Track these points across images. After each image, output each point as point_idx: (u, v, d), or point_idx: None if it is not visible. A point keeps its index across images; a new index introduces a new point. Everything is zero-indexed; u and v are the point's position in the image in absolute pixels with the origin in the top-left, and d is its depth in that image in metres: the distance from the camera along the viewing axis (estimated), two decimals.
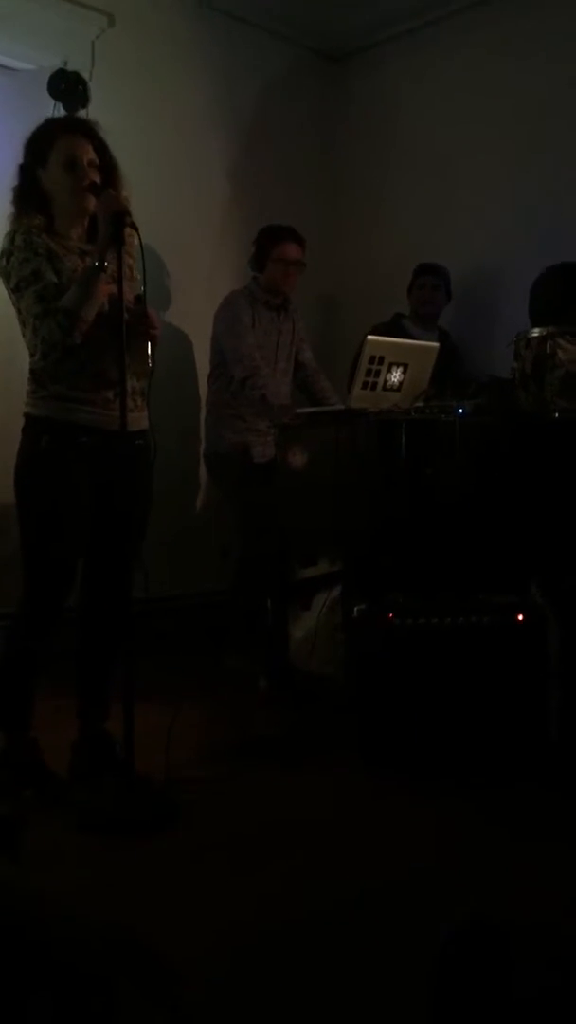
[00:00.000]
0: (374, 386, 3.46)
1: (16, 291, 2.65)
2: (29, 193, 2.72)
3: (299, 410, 3.87)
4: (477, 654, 2.95)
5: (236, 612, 4.19)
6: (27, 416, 2.75)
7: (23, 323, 2.70)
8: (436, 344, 3.74)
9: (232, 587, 4.23)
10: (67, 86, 4.23)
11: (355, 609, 3.08)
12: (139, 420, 2.76)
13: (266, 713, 3.57)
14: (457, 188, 4.85)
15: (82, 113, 4.30)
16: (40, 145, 2.72)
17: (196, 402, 4.73)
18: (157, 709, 3.01)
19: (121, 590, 2.80)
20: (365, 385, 3.44)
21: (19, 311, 2.70)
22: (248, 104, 5.06)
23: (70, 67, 4.25)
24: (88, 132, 2.75)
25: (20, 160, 2.76)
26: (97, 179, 2.70)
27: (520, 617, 2.95)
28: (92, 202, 2.68)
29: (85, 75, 4.30)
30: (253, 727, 3.41)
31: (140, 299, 2.73)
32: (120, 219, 2.58)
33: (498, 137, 4.67)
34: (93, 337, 2.66)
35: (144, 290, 2.75)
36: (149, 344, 2.73)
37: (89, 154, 2.70)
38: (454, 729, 2.92)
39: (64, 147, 2.70)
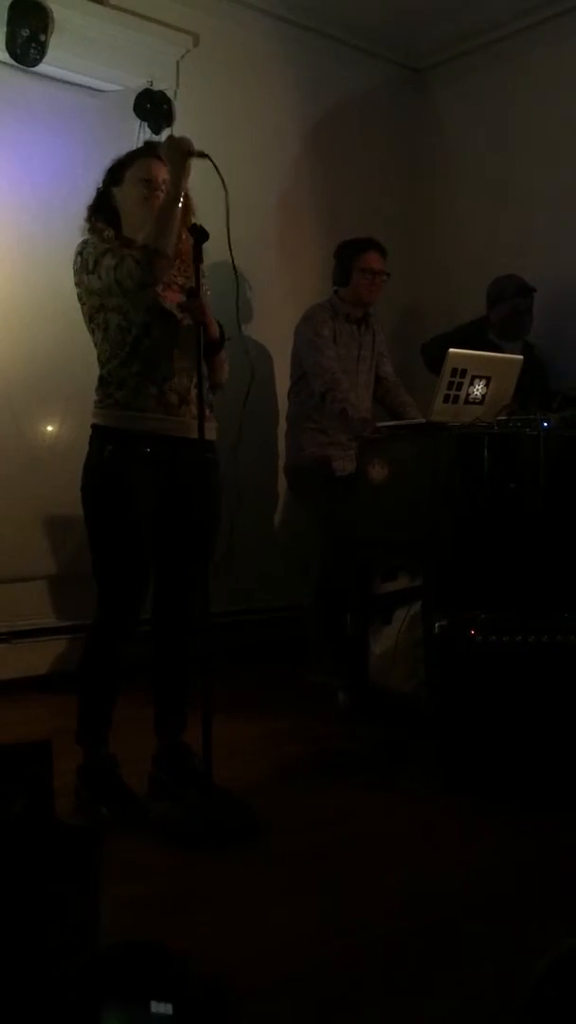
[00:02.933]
0: (456, 399, 3.42)
1: (94, 270, 2.65)
2: (100, 208, 2.79)
3: (380, 424, 3.85)
4: (562, 674, 2.87)
5: (316, 626, 4.18)
6: (93, 427, 2.77)
7: (93, 322, 2.73)
8: (520, 357, 3.68)
9: (312, 601, 4.22)
10: (152, 106, 4.32)
11: (436, 625, 3.03)
12: (208, 430, 2.72)
13: (345, 729, 3.54)
14: (541, 199, 4.77)
15: (167, 131, 4.38)
16: (117, 168, 2.81)
17: (275, 416, 4.74)
18: (237, 723, 3.03)
19: (192, 601, 2.78)
20: (447, 398, 3.39)
21: (93, 318, 2.72)
22: (330, 119, 5.07)
23: (155, 87, 4.33)
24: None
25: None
26: None
27: None
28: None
29: (170, 94, 4.37)
30: (331, 743, 3.38)
31: (192, 292, 2.73)
32: (188, 153, 2.64)
33: None
34: (159, 340, 2.69)
35: (205, 289, 2.78)
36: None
37: (163, 174, 2.73)
38: (537, 752, 2.85)
39: (140, 166, 2.77)
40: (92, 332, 2.77)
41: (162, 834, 2.52)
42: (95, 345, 2.78)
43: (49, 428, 4.20)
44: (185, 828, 2.54)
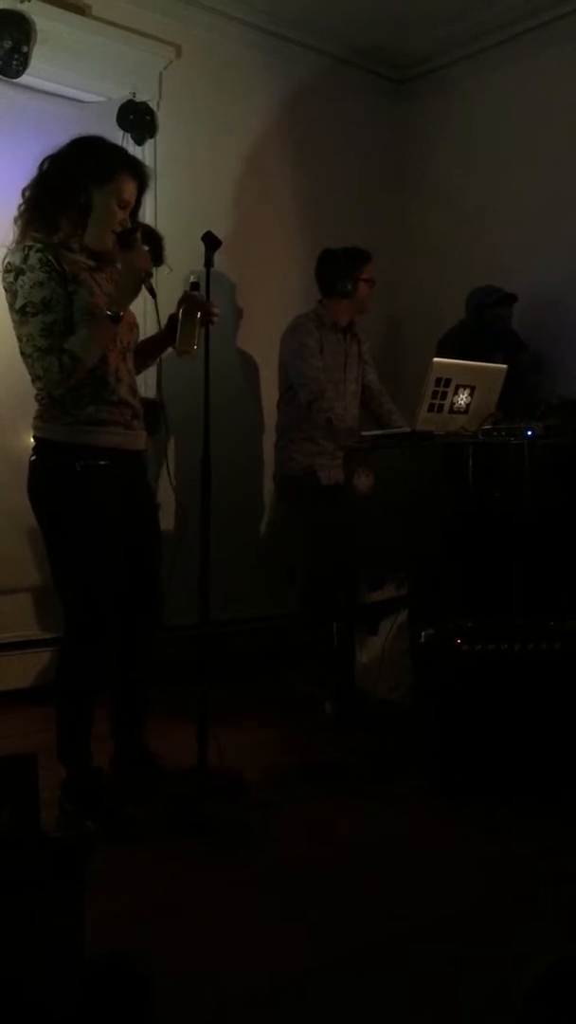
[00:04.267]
0: (441, 408, 3.42)
1: (22, 314, 2.56)
2: (65, 201, 2.63)
3: (365, 433, 3.86)
4: (548, 681, 2.89)
5: (302, 636, 4.17)
6: (48, 441, 2.67)
7: (22, 350, 2.62)
8: (503, 366, 3.69)
9: (298, 611, 4.21)
10: (135, 117, 4.32)
11: (422, 634, 3.03)
12: (142, 440, 2.83)
13: (332, 738, 3.53)
14: (526, 207, 4.80)
15: (150, 142, 4.38)
16: (104, 165, 2.67)
17: (260, 427, 4.74)
18: (223, 733, 3.01)
19: (152, 609, 2.86)
20: (432, 407, 3.40)
21: (19, 336, 2.62)
22: (314, 129, 5.09)
23: (138, 98, 4.34)
24: (143, 182, 2.76)
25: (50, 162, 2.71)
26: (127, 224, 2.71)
27: None
28: (112, 241, 2.68)
29: (153, 105, 4.38)
30: (319, 752, 3.37)
31: (196, 285, 2.78)
32: (144, 281, 2.65)
33: (569, 155, 4.62)
34: (112, 361, 2.68)
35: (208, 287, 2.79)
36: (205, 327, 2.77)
37: (132, 196, 2.72)
38: (525, 758, 2.86)
39: (125, 185, 2.68)
40: (22, 350, 2.63)
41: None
42: (26, 355, 2.62)
43: (31, 438, 4.17)
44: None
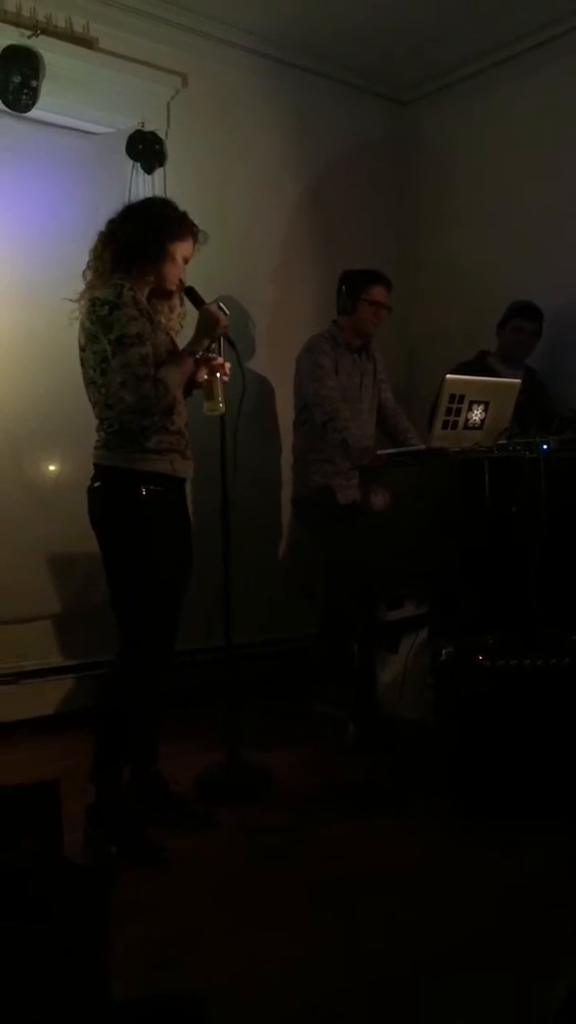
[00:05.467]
0: (455, 425, 3.42)
1: (119, 344, 2.68)
2: (152, 253, 2.84)
3: (380, 451, 3.86)
4: (571, 696, 2.86)
5: (322, 657, 4.16)
6: (112, 469, 2.77)
7: (103, 375, 2.73)
8: (517, 381, 3.69)
9: (318, 631, 4.21)
10: (144, 146, 4.38)
11: (443, 651, 3.02)
12: (190, 469, 2.95)
13: (354, 759, 3.51)
14: (534, 224, 4.80)
15: (159, 171, 4.43)
16: (177, 223, 2.89)
17: (278, 449, 4.75)
18: (246, 755, 3.01)
19: (174, 637, 2.93)
20: (446, 424, 3.40)
21: (103, 367, 2.72)
22: (321, 154, 5.13)
23: (146, 128, 4.39)
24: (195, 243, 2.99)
25: (113, 216, 2.89)
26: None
27: None
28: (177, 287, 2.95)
29: (161, 134, 4.43)
30: (341, 774, 3.36)
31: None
32: (222, 336, 2.96)
33: (573, 171, 4.63)
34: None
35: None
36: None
37: (191, 255, 2.97)
38: (549, 775, 2.83)
39: (188, 244, 2.93)
40: (101, 371, 2.74)
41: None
42: (98, 385, 2.75)
43: (51, 468, 4.22)
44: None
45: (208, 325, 2.90)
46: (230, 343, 3.01)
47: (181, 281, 2.95)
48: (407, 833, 2.81)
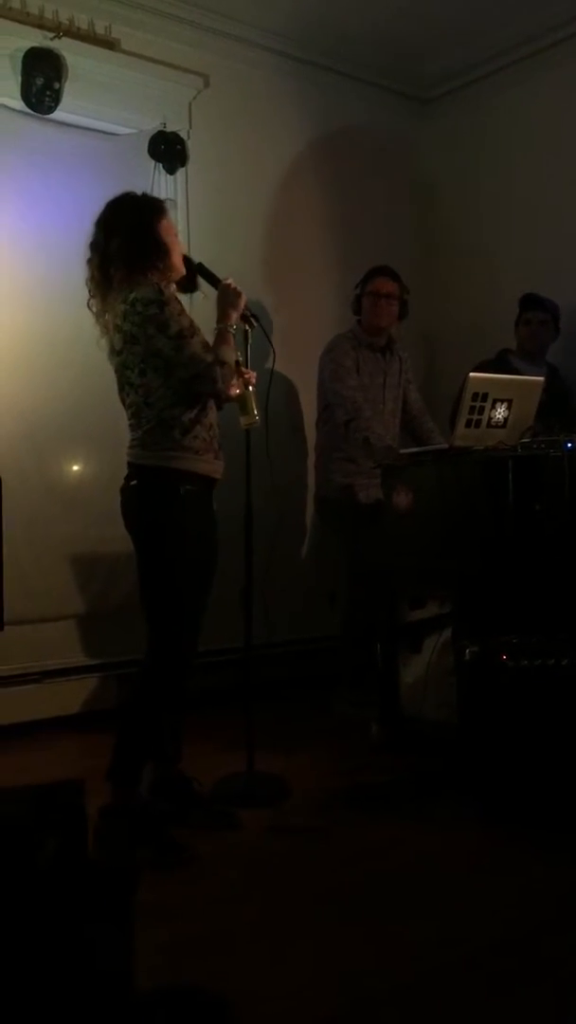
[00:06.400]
0: (478, 423, 3.40)
1: (179, 338, 2.70)
2: (156, 247, 2.83)
3: (403, 451, 3.84)
4: None
5: (345, 657, 4.16)
6: (150, 467, 2.78)
7: (143, 375, 2.74)
8: (540, 378, 3.67)
9: (342, 632, 4.20)
10: (166, 147, 4.39)
11: (467, 651, 3.00)
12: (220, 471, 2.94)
13: (379, 760, 3.50)
14: (558, 220, 4.78)
15: (181, 171, 4.44)
16: (155, 209, 2.89)
17: (302, 449, 4.75)
18: (269, 757, 3.00)
19: (198, 635, 2.92)
20: (469, 423, 3.38)
21: (141, 367, 2.74)
22: (343, 152, 5.12)
23: (168, 128, 4.40)
24: None
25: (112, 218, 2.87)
26: None
27: None
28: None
29: (183, 135, 4.44)
30: (366, 775, 3.35)
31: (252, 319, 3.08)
32: (245, 315, 2.99)
33: None
34: None
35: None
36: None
37: None
38: (573, 775, 2.81)
39: (171, 222, 2.93)
40: (140, 372, 2.76)
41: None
42: (136, 385, 2.77)
43: (74, 468, 4.23)
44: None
45: (231, 299, 2.90)
46: (252, 319, 3.03)
47: (188, 259, 2.96)
48: (432, 835, 2.80)
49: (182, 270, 2.95)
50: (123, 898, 1.51)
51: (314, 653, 4.49)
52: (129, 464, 2.83)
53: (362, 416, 4.01)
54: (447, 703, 3.40)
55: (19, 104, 3.98)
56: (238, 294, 2.91)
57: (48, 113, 4.00)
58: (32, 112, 3.98)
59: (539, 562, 3.14)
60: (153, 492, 2.78)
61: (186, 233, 4.36)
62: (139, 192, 2.96)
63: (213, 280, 2.99)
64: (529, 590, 3.13)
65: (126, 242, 2.80)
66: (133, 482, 2.81)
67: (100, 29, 4.20)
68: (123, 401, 2.86)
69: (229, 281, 2.96)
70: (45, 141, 4.10)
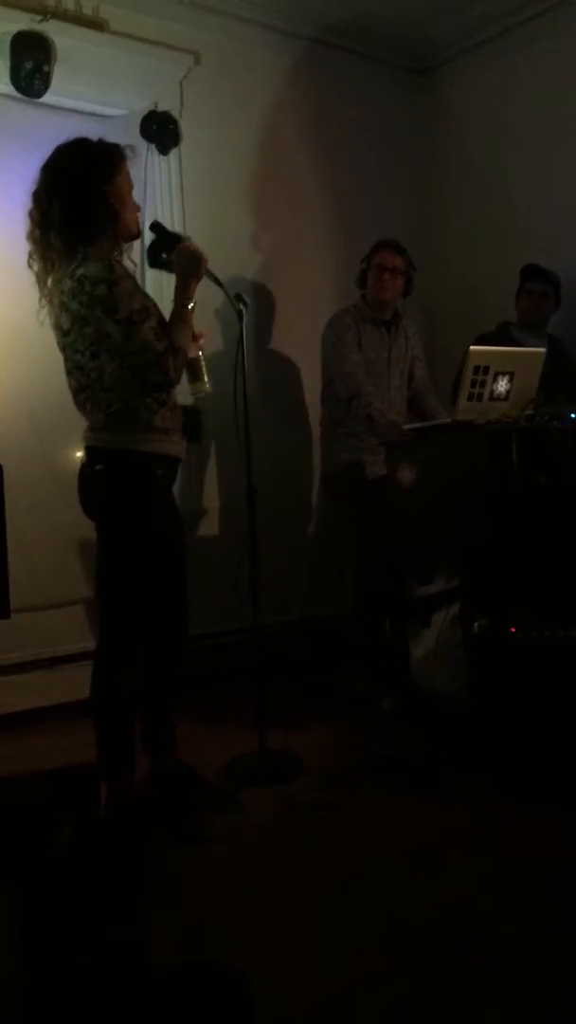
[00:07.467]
0: (480, 397, 3.39)
1: (128, 324, 2.54)
2: (102, 212, 2.61)
3: (406, 426, 3.83)
4: None
5: (355, 633, 4.16)
6: (115, 451, 2.69)
7: (94, 358, 2.62)
8: (542, 350, 3.65)
9: (350, 609, 4.20)
10: (159, 127, 4.35)
11: (475, 625, 3.01)
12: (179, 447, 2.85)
13: (390, 735, 3.51)
14: (558, 191, 4.74)
15: (175, 151, 4.41)
16: (107, 164, 2.66)
17: (304, 426, 4.74)
18: (279, 734, 3.00)
19: (184, 618, 2.88)
20: (471, 396, 3.37)
21: (93, 350, 2.61)
22: (338, 126, 5.07)
23: (160, 108, 4.36)
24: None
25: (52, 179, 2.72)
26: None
27: None
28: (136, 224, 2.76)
29: (175, 114, 4.40)
30: (378, 749, 3.36)
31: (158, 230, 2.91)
32: (205, 272, 2.75)
33: None
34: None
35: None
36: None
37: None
38: None
39: (127, 175, 2.72)
40: (92, 355, 2.62)
41: None
42: (88, 369, 2.65)
43: (78, 453, 4.21)
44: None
45: (192, 264, 2.69)
46: (215, 280, 2.83)
47: (156, 225, 2.81)
48: (445, 808, 2.81)
49: (133, 230, 2.74)
50: (139, 878, 1.53)
51: (323, 629, 4.50)
52: (90, 449, 2.72)
53: (363, 393, 3.99)
54: (457, 676, 3.41)
55: (8, 88, 3.94)
56: (199, 258, 2.69)
57: (38, 97, 3.96)
58: (22, 96, 3.94)
59: (545, 534, 3.14)
60: (124, 476, 2.68)
61: (181, 211, 4.34)
62: (95, 139, 2.74)
63: (168, 238, 2.77)
64: (535, 562, 3.13)
65: (68, 207, 2.59)
66: (99, 467, 2.69)
67: (87, 9, 4.15)
68: (72, 385, 2.71)
69: (188, 242, 2.73)
70: (36, 125, 4.06)
